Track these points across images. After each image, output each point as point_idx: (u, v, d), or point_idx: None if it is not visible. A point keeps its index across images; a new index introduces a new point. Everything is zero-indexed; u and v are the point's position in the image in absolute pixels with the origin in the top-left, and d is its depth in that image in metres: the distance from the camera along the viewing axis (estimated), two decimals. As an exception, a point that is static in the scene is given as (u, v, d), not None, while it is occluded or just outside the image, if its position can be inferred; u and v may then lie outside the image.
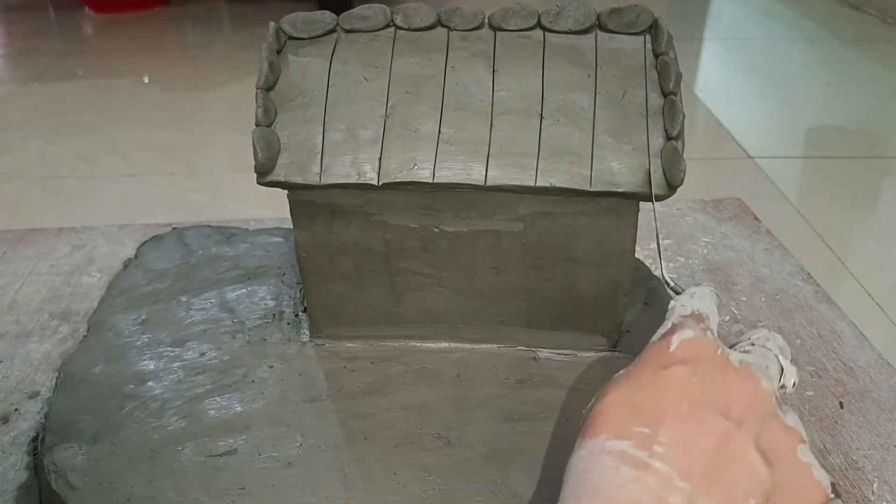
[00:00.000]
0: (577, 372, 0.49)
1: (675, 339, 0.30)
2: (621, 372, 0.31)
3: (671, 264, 0.69)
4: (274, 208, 0.79)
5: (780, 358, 0.32)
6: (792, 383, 0.32)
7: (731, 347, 0.33)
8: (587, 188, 0.43)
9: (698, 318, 0.32)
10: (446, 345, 0.51)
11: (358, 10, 0.46)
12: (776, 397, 0.30)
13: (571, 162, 0.43)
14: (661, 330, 0.32)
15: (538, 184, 0.43)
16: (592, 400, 0.31)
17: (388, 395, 0.47)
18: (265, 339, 0.51)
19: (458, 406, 0.46)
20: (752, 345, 0.32)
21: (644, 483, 0.26)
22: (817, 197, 0.89)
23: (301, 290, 0.56)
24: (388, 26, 0.47)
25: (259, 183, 0.44)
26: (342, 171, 0.43)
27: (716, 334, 0.32)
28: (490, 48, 0.46)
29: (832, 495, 0.29)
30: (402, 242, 0.47)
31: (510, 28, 0.46)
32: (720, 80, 1.31)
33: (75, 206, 0.87)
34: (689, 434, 0.27)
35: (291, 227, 0.48)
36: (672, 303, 0.34)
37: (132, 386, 0.48)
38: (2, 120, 1.13)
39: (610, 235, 0.46)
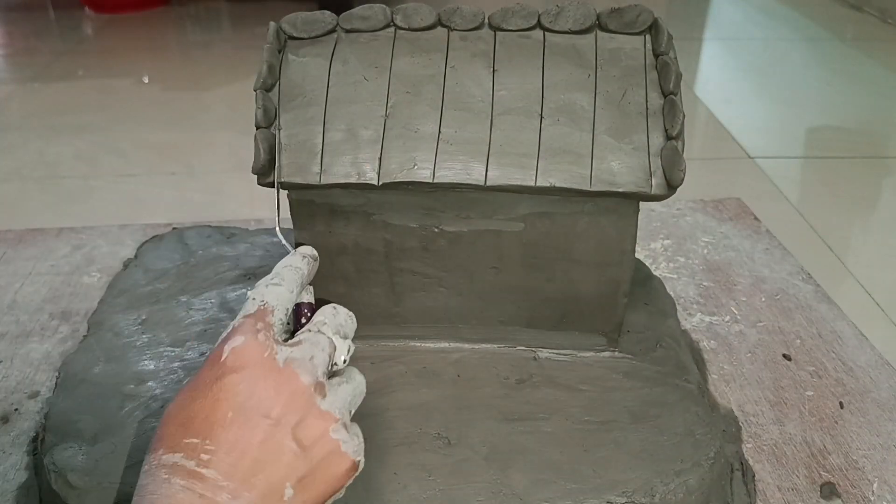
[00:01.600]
0: (577, 372, 0.49)
1: (227, 349, 0.33)
2: (187, 380, 0.34)
3: (671, 264, 0.69)
4: (274, 208, 0.79)
5: (335, 338, 0.36)
6: (343, 360, 0.36)
7: (296, 332, 0.36)
8: (587, 188, 0.43)
9: (261, 314, 0.34)
10: (446, 345, 0.51)
11: (358, 10, 0.46)
12: (315, 387, 0.33)
13: (571, 162, 0.43)
14: (223, 333, 0.34)
15: (538, 184, 0.43)
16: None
17: (388, 395, 0.47)
18: (265, 339, 0.51)
19: (458, 406, 0.46)
20: (309, 331, 0.35)
21: (192, 489, 0.29)
22: (817, 197, 0.89)
23: (301, 290, 0.56)
24: (388, 26, 0.47)
25: (260, 184, 0.44)
26: (342, 170, 0.43)
27: (276, 327, 0.34)
28: (490, 48, 0.46)
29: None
30: (402, 242, 0.47)
31: (510, 28, 0.46)
32: (720, 80, 1.32)
33: (75, 206, 0.87)
34: (234, 438, 0.31)
35: (291, 227, 0.48)
36: (248, 293, 0.36)
37: (132, 386, 0.48)
38: (2, 120, 1.13)
39: (610, 235, 0.46)
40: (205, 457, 0.30)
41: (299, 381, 0.33)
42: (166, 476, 0.30)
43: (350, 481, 0.34)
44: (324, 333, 0.35)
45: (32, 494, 0.45)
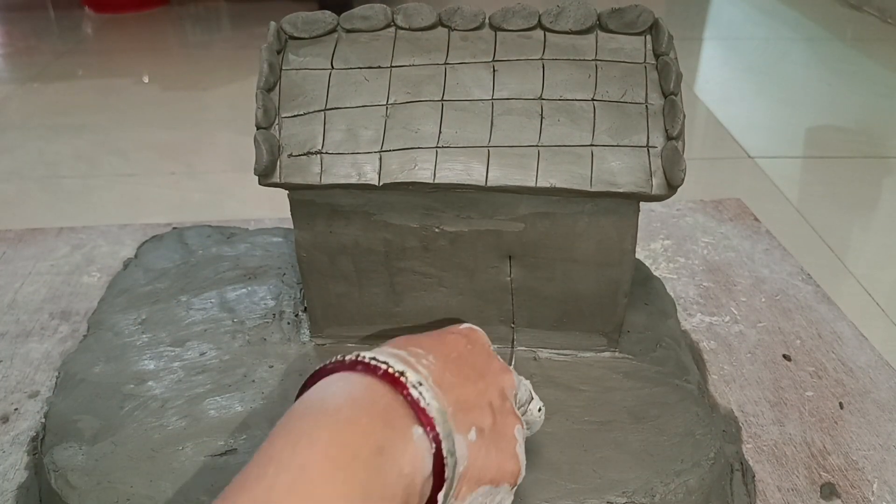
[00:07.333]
0: (577, 372, 0.49)
1: (465, 325, 0.38)
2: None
3: (671, 264, 0.69)
4: (274, 208, 0.79)
5: (533, 392, 0.39)
6: (538, 408, 0.39)
7: None
8: (587, 188, 0.43)
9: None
10: (446, 345, 0.51)
11: (358, 10, 0.46)
12: (516, 396, 0.36)
13: (571, 162, 0.43)
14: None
15: (539, 184, 0.43)
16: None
17: (388, 395, 0.47)
18: (265, 339, 0.51)
19: (458, 406, 0.46)
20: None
21: (399, 353, 0.32)
22: (817, 197, 0.89)
23: (301, 289, 0.56)
24: (388, 26, 0.47)
25: (261, 184, 0.44)
26: (342, 171, 0.43)
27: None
28: (490, 48, 0.46)
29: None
30: (402, 242, 0.47)
31: (511, 28, 0.46)
32: (720, 79, 1.31)
33: (75, 205, 0.87)
34: (447, 367, 0.33)
35: (291, 226, 0.48)
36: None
37: (132, 385, 0.48)
38: (2, 120, 1.13)
39: (610, 235, 0.46)
40: (424, 361, 0.32)
41: (511, 375, 0.36)
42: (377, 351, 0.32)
43: (506, 489, 0.33)
44: (524, 381, 0.38)
45: (32, 494, 0.45)
